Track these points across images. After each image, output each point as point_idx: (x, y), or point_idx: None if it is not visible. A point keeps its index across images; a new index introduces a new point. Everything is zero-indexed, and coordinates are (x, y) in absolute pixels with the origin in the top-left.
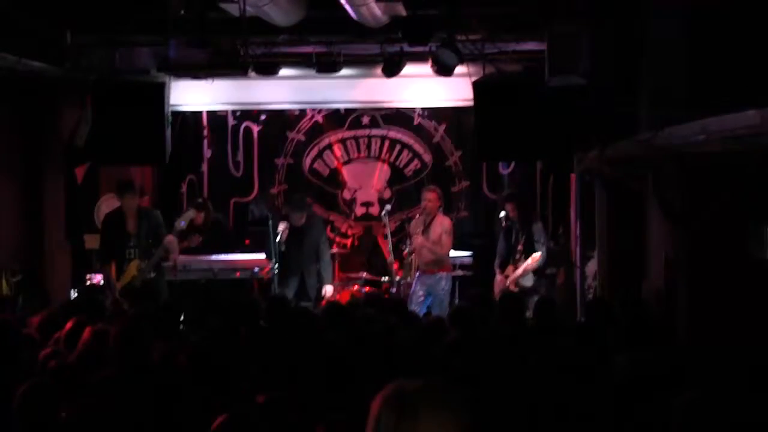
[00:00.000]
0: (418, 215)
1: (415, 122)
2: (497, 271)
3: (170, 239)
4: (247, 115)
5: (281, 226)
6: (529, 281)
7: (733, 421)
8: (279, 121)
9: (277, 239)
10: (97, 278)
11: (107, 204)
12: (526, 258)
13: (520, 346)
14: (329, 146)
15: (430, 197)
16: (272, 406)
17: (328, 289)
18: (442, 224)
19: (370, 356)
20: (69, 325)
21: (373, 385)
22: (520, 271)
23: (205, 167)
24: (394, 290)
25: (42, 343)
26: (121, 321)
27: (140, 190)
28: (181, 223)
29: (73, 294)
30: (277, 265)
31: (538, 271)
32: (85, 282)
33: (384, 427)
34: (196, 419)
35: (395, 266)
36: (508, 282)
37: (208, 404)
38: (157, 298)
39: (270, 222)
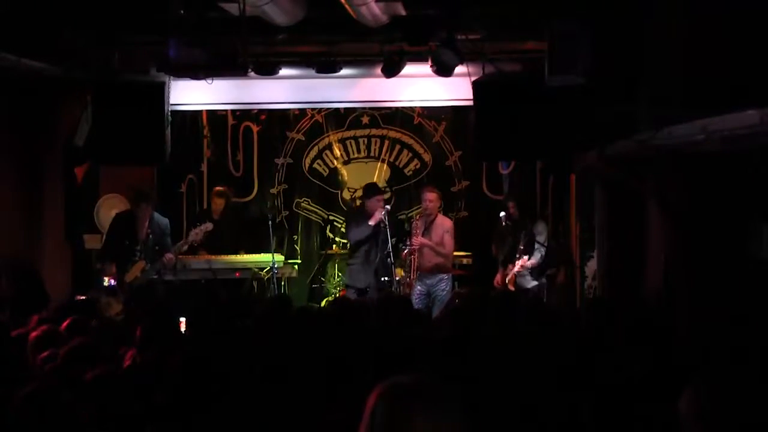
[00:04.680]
0: (418, 216)
1: (415, 122)
2: (500, 269)
3: (169, 258)
4: (247, 114)
5: (383, 211)
6: (527, 282)
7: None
8: (279, 120)
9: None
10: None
11: (107, 204)
12: (527, 258)
13: (514, 345)
14: (329, 146)
15: (431, 197)
16: (269, 406)
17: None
18: (443, 225)
19: (370, 355)
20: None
21: (373, 385)
22: (513, 271)
23: (204, 167)
24: (394, 290)
25: (40, 343)
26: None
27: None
28: (184, 247)
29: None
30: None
31: (537, 271)
32: (103, 284)
33: (378, 423)
34: (194, 419)
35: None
36: (507, 280)
37: (207, 404)
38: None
39: (270, 222)
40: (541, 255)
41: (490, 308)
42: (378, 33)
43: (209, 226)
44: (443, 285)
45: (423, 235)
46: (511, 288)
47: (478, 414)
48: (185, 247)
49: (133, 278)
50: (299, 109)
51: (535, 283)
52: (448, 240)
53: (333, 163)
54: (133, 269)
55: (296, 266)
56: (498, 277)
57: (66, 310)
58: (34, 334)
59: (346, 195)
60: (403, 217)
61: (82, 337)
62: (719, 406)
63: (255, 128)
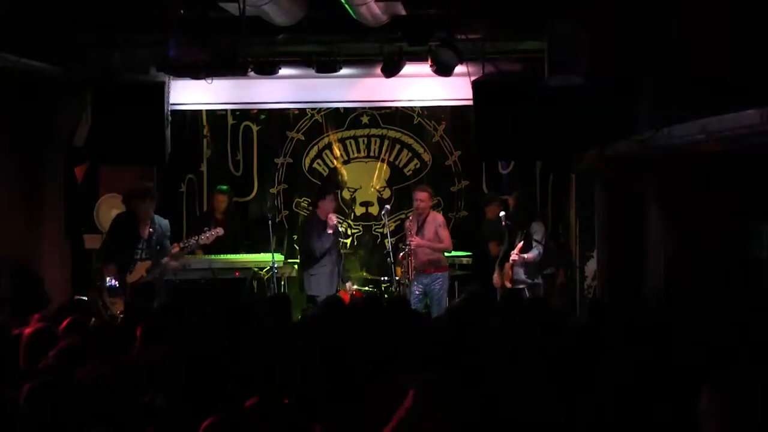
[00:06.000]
0: (411, 216)
1: (415, 122)
2: (497, 268)
3: (172, 264)
4: (247, 114)
5: (334, 219)
6: (521, 275)
7: None
8: (278, 120)
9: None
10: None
11: (107, 204)
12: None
13: (514, 344)
14: (329, 146)
15: (422, 197)
16: (262, 408)
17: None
18: (435, 220)
19: (370, 355)
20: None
21: (372, 384)
22: (509, 262)
23: (204, 167)
24: (393, 290)
25: (35, 342)
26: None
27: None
28: (192, 250)
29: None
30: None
31: (533, 269)
32: (105, 283)
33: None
34: (193, 420)
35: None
36: (504, 279)
37: (206, 405)
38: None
39: (269, 222)
40: (539, 252)
41: (491, 309)
42: (378, 33)
43: (220, 231)
44: (439, 284)
45: (416, 234)
46: (508, 284)
47: (478, 414)
48: (192, 250)
49: (138, 277)
50: (299, 109)
51: (529, 281)
52: (444, 233)
53: (333, 163)
54: (137, 268)
55: (296, 266)
56: (495, 277)
57: (66, 310)
58: (28, 331)
59: (346, 195)
60: (403, 216)
61: (78, 336)
62: (742, 403)
63: (255, 128)
